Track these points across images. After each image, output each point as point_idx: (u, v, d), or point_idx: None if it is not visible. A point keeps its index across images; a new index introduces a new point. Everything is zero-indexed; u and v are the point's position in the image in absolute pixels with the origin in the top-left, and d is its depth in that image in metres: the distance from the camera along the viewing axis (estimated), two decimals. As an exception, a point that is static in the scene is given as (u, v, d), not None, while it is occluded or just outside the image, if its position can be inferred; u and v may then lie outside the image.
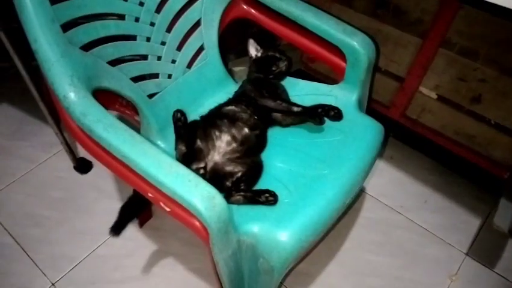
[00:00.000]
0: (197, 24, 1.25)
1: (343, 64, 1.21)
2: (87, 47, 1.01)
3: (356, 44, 1.15)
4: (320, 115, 1.15)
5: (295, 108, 1.16)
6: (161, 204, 0.88)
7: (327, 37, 1.18)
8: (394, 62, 1.62)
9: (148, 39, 1.16)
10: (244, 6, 1.30)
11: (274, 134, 1.20)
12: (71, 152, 1.62)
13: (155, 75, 1.19)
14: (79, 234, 1.49)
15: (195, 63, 1.27)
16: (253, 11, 1.30)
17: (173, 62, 1.22)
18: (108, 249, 1.45)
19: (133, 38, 1.13)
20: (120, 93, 1.07)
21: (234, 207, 1.01)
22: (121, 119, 0.96)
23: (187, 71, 1.25)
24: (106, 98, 1.05)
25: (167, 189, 0.83)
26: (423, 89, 1.59)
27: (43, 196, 1.59)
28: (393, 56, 1.61)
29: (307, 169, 1.09)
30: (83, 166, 1.64)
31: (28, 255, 1.43)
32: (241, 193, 1.01)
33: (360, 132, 1.16)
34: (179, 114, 1.06)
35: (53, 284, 1.36)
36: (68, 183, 1.62)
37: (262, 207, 1.00)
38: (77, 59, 0.95)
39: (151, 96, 1.17)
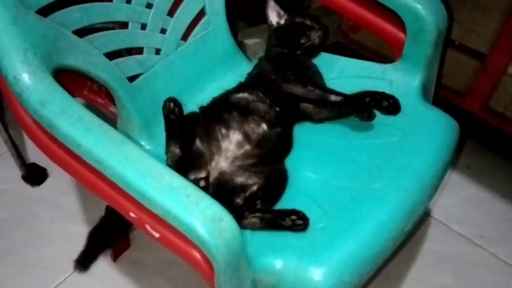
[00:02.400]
0: (197, -20, 1.27)
1: (401, 36, 1.22)
2: (46, 11, 1.03)
3: (420, 7, 1.16)
4: (367, 107, 1.16)
5: (334, 97, 1.17)
6: (148, 227, 0.90)
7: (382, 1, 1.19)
8: (473, 32, 1.62)
9: (129, 1, 1.18)
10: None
11: (304, 132, 1.22)
12: (19, 155, 1.65)
13: (138, 50, 1.21)
14: (30, 269, 1.51)
15: (192, 34, 1.30)
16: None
17: (163, 31, 1.25)
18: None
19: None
20: (90, 74, 1.09)
21: (248, 233, 1.02)
22: (93, 111, 0.98)
23: (181, 44, 1.28)
24: (70, 81, 1.08)
25: (157, 208, 0.85)
26: (514, 71, 1.58)
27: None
28: (472, 24, 1.61)
29: (349, 182, 1.10)
30: (34, 175, 1.67)
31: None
32: (258, 214, 1.02)
33: (426, 131, 1.17)
34: (172, 104, 1.08)
35: None
36: (14, 199, 1.66)
37: (287, 235, 1.01)
38: (32, 27, 0.97)
39: (132, 78, 1.19)
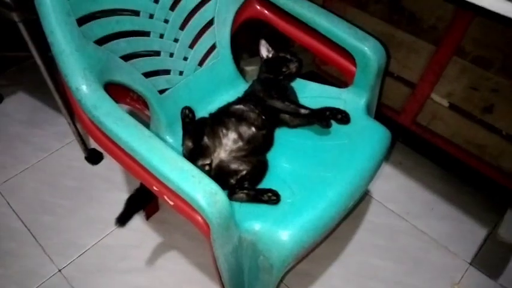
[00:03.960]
0: (210, 23, 1.27)
1: (353, 68, 1.21)
2: (101, 42, 1.03)
3: (366, 49, 1.15)
4: (327, 118, 1.16)
5: (303, 110, 1.17)
6: (165, 197, 0.90)
7: (338, 41, 1.18)
8: (407, 67, 1.61)
9: (162, 36, 1.18)
10: (258, 7, 1.31)
11: (282, 134, 1.22)
12: (83, 142, 1.65)
13: (166, 72, 1.21)
14: (89, 223, 1.52)
15: (206, 61, 1.29)
16: (266, 11, 1.31)
17: (185, 59, 1.24)
18: (115, 239, 1.48)
19: (146, 34, 1.15)
20: (131, 88, 1.09)
21: (237, 204, 1.03)
22: (132, 113, 0.98)
23: (198, 69, 1.27)
24: (117, 91, 1.08)
25: (172, 184, 0.85)
26: (435, 96, 1.58)
27: (55, 184, 1.63)
28: (406, 61, 1.61)
29: (311, 171, 1.10)
30: (94, 157, 1.67)
31: (37, 241, 1.47)
32: (245, 191, 1.03)
33: (367, 136, 1.17)
34: (187, 111, 1.09)
35: (59, 271, 1.40)
36: (79, 173, 1.66)
37: (265, 206, 1.02)
38: (90, 53, 0.98)
39: (161, 91, 1.19)
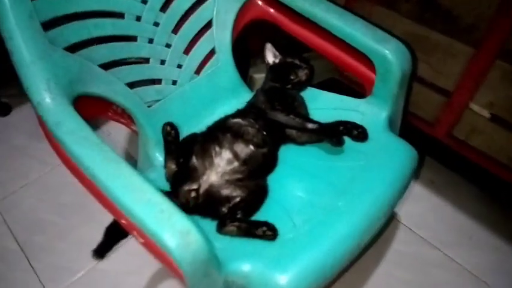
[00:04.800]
0: (208, 25, 1.11)
1: (372, 76, 1.02)
2: (75, 47, 0.89)
3: (387, 52, 0.96)
4: (337, 134, 0.97)
5: (310, 125, 0.99)
6: (135, 233, 0.75)
7: (353, 43, 1.00)
8: (442, 73, 1.39)
9: (151, 41, 1.04)
10: (263, 6, 1.15)
11: (287, 152, 1.04)
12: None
13: (157, 81, 1.06)
14: (83, 245, 1.39)
15: (204, 69, 1.13)
16: (272, 11, 1.14)
17: (179, 66, 1.10)
18: (112, 264, 1.34)
19: (133, 39, 1.01)
20: (111, 100, 0.95)
21: (227, 239, 0.86)
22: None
23: (195, 77, 1.12)
24: (95, 104, 0.94)
25: (135, 219, 0.70)
26: (474, 106, 1.35)
27: (53, 201, 1.52)
28: (441, 67, 1.39)
29: (319, 198, 0.92)
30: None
31: (30, 264, 1.36)
32: (236, 223, 0.86)
33: (388, 157, 0.97)
34: (169, 128, 0.93)
35: (50, 297, 1.28)
36: (78, 189, 1.54)
37: (260, 242, 0.84)
38: (58, 62, 0.84)
39: (150, 104, 1.04)
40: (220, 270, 0.77)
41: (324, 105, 1.11)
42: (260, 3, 1.14)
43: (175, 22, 1.06)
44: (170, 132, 0.94)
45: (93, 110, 0.94)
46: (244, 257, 0.82)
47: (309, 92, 1.15)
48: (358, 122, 1.02)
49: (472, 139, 1.40)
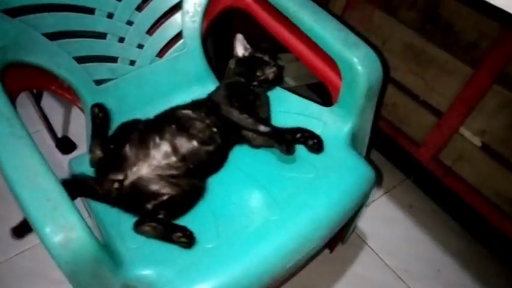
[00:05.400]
0: (177, 7, 1.02)
1: (339, 83, 0.91)
2: (17, 12, 0.83)
3: (355, 59, 0.85)
4: (288, 142, 0.88)
5: (262, 128, 0.90)
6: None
7: (321, 44, 0.90)
8: (435, 91, 1.28)
9: (111, 16, 0.96)
10: (239, -7, 1.05)
11: (239, 153, 0.96)
12: (51, 129, 1.48)
13: (111, 59, 0.99)
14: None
15: (168, 53, 1.06)
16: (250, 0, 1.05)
17: (140, 47, 1.02)
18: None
19: (89, 11, 0.93)
20: (53, 73, 0.88)
21: (142, 239, 0.78)
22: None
23: (156, 60, 1.04)
24: (35, 75, 0.88)
25: (21, 203, 0.62)
26: (465, 132, 1.23)
27: None
28: (435, 84, 1.27)
29: (254, 208, 0.84)
30: (65, 145, 1.49)
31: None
32: (153, 223, 0.78)
33: (340, 175, 0.87)
34: (96, 110, 0.86)
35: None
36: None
37: (174, 249, 0.76)
38: (-10, 23, 0.77)
39: (100, 82, 0.97)
40: (117, 274, 0.69)
41: (288, 109, 1.02)
42: (236, -11, 1.05)
43: (141, -1, 0.98)
44: (97, 115, 0.87)
45: (31, 80, 0.87)
46: (154, 262, 0.74)
47: (277, 92, 1.06)
48: (318, 131, 0.93)
49: (458, 167, 1.28)
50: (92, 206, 0.83)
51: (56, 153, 1.47)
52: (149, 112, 0.98)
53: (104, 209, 0.82)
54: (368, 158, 1.08)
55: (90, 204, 0.83)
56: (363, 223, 1.35)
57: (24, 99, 1.52)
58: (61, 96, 0.96)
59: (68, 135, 1.52)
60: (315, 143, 0.90)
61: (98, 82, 0.97)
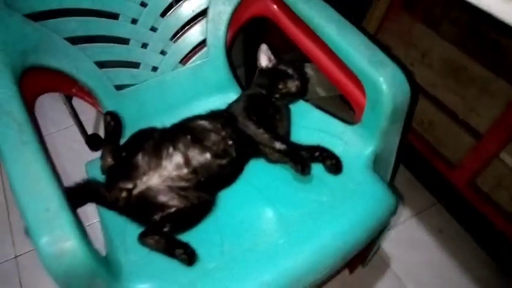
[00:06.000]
0: (202, 14, 1.01)
1: (363, 101, 0.86)
2: (40, 16, 0.84)
3: (380, 78, 0.79)
4: (303, 161, 0.84)
5: (278, 145, 0.87)
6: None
7: (346, 60, 0.85)
8: (475, 112, 1.19)
9: (134, 21, 0.95)
10: (266, 2, 1.02)
11: (254, 167, 0.93)
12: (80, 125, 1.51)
13: (134, 64, 0.98)
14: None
15: (191, 60, 1.04)
16: (275, 8, 1.01)
17: (163, 53, 1.01)
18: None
19: (113, 16, 0.93)
20: (73, 77, 0.89)
21: (145, 252, 0.77)
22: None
23: (179, 67, 1.03)
24: (55, 78, 0.88)
25: (22, 212, 0.62)
26: (505, 157, 1.14)
27: None
28: (476, 104, 1.19)
29: (263, 228, 0.80)
30: (93, 142, 1.51)
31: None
32: (157, 237, 0.76)
33: (356, 201, 0.82)
34: (108, 118, 0.85)
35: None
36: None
37: (178, 264, 0.74)
38: (12, 27, 0.79)
39: (120, 87, 0.96)
40: (113, 287, 0.68)
41: (309, 124, 0.97)
42: (266, -2, 1.02)
43: (165, 5, 0.97)
44: (109, 123, 0.87)
45: (51, 83, 0.88)
46: (153, 277, 0.73)
47: (300, 106, 1.02)
48: (338, 151, 0.88)
49: (495, 194, 1.19)
50: (101, 212, 0.83)
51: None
52: (169, 119, 0.96)
53: (112, 217, 0.82)
54: (392, 182, 1.01)
55: (99, 211, 0.83)
56: (388, 245, 1.28)
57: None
58: (82, 99, 0.96)
59: (98, 133, 1.55)
60: (333, 164, 0.85)
61: (119, 87, 0.97)
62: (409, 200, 1.38)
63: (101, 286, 0.65)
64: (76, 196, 0.81)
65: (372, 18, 1.42)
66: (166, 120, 0.97)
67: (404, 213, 1.35)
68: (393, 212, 0.84)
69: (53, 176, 0.65)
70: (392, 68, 0.80)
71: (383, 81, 0.79)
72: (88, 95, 0.96)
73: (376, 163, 0.89)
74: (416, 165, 1.44)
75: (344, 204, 0.81)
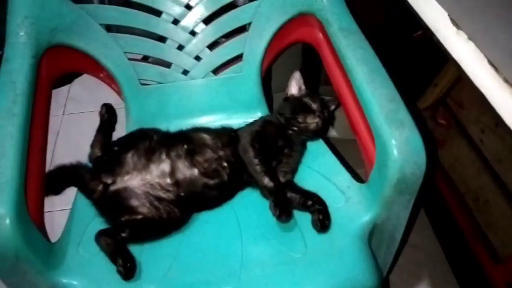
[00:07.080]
0: (244, 29, 0.96)
1: (374, 160, 0.74)
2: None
3: (392, 141, 0.67)
4: (285, 209, 0.75)
5: (266, 180, 0.79)
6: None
7: (365, 110, 0.74)
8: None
9: (176, 22, 0.95)
10: (314, 29, 0.94)
11: (246, 197, 0.86)
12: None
13: (164, 63, 0.98)
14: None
15: (224, 72, 1.00)
16: (321, 36, 0.93)
17: (197, 59, 0.98)
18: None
19: (156, 12, 0.94)
20: (98, 62, 0.91)
21: (95, 251, 0.74)
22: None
23: (210, 76, 1.00)
24: (84, 59, 0.91)
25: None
26: None
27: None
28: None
29: (216, 266, 0.73)
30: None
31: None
32: (109, 240, 0.73)
33: (330, 272, 0.70)
34: (104, 109, 0.84)
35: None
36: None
37: (115, 273, 0.71)
38: (48, 5, 0.83)
39: (145, 82, 0.96)
40: (45, 275, 0.67)
41: (318, 168, 0.87)
42: (313, 23, 0.93)
43: (210, 12, 0.95)
44: (104, 115, 0.86)
45: (76, 64, 0.91)
46: (87, 278, 0.71)
47: (316, 145, 0.92)
48: (336, 207, 0.78)
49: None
50: (77, 201, 0.83)
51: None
52: (185, 125, 0.94)
53: (84, 208, 0.81)
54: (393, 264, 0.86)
55: (76, 198, 0.83)
56: None
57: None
58: (108, 84, 0.98)
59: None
60: (320, 221, 0.75)
61: (144, 82, 0.97)
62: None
63: (27, 272, 0.65)
64: (61, 177, 0.82)
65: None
66: (183, 125, 0.94)
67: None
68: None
69: (20, 154, 0.66)
70: (410, 131, 0.68)
71: (394, 145, 0.67)
72: (114, 82, 0.97)
73: (375, 235, 0.76)
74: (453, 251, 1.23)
75: (311, 268, 0.70)
